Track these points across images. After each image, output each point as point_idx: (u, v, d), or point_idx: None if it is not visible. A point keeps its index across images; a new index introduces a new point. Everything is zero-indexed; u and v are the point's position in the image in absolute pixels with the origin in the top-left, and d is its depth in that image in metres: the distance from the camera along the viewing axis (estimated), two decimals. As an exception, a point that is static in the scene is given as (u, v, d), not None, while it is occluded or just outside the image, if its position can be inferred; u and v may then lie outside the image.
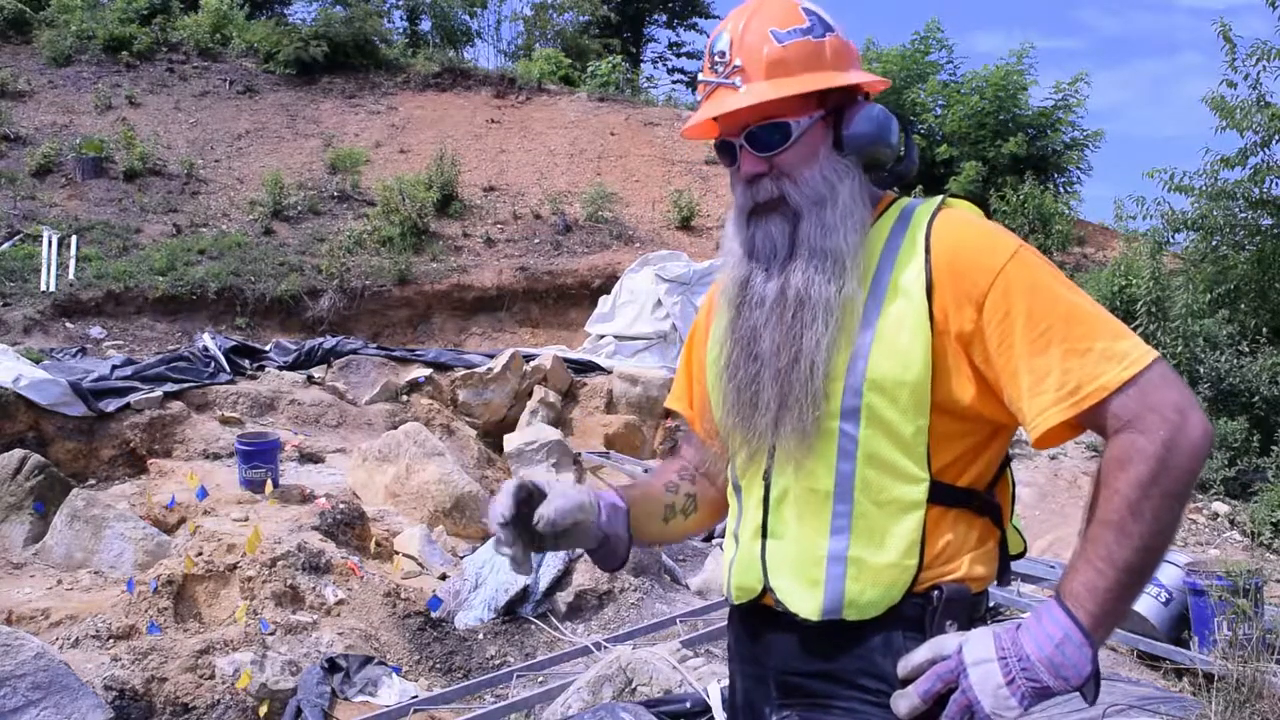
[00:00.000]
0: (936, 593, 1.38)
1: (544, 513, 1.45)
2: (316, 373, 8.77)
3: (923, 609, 1.38)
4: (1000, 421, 1.41)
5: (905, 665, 1.34)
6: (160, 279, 11.01)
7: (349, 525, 6.10)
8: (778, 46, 1.43)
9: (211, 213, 12.98)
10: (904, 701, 1.32)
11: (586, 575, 5.53)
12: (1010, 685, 1.24)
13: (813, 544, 1.41)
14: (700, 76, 1.50)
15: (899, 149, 1.49)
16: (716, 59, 1.46)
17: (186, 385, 7.97)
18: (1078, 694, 1.27)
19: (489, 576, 5.55)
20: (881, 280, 1.40)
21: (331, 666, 4.62)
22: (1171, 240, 11.14)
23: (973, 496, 1.42)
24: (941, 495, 1.39)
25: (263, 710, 4.49)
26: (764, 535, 1.47)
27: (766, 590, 1.46)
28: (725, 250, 1.54)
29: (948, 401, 1.37)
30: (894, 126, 1.47)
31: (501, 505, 1.47)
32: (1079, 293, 1.35)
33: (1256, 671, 3.75)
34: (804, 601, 1.41)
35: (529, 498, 1.48)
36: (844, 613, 1.39)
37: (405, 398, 8.65)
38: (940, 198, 1.48)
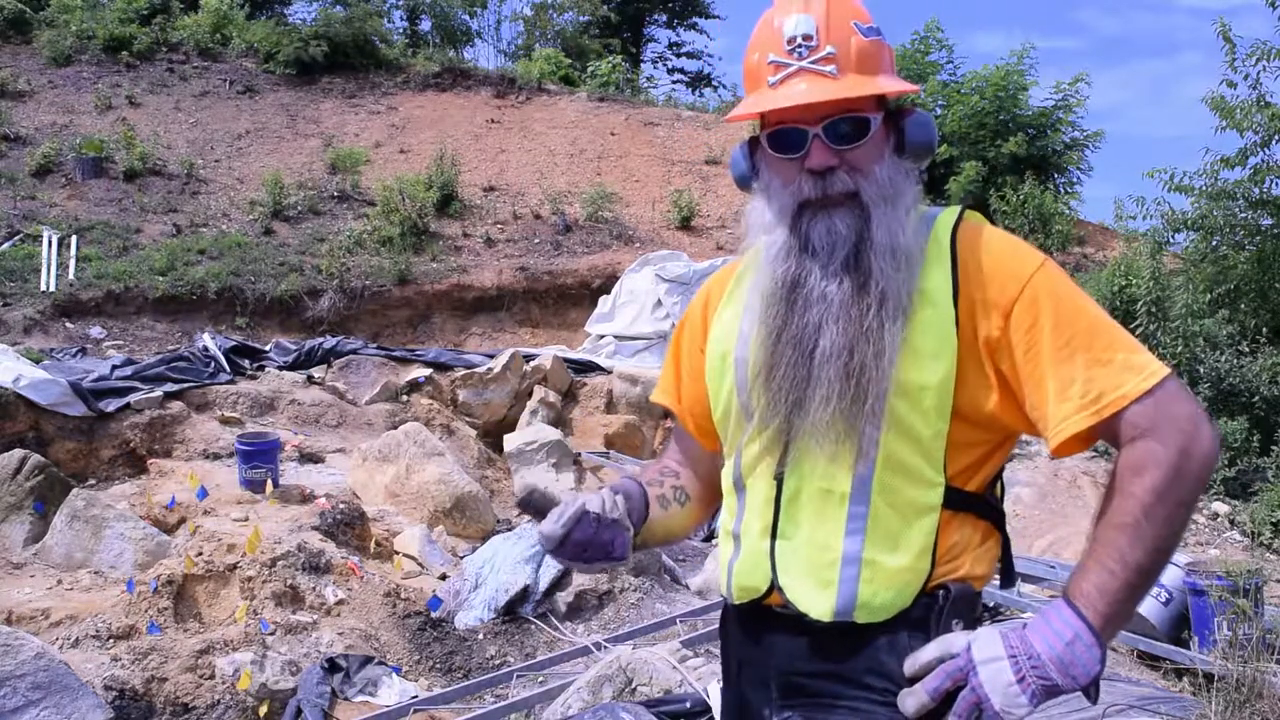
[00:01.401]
0: (943, 592, 1.39)
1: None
2: (316, 373, 8.77)
3: (929, 608, 1.39)
4: (1014, 429, 1.43)
5: (913, 663, 1.34)
6: (160, 279, 11.01)
7: (349, 525, 6.10)
8: (865, 40, 1.43)
9: (211, 213, 12.99)
10: (912, 699, 1.32)
11: (586, 575, 5.53)
12: (1020, 683, 1.26)
13: (826, 545, 1.41)
14: (773, 56, 1.44)
15: (934, 158, 1.53)
16: (800, 42, 1.42)
17: (186, 385, 7.97)
18: (1080, 693, 1.28)
19: (489, 576, 5.55)
20: (910, 293, 1.42)
21: (331, 666, 4.62)
22: (1171, 240, 11.13)
23: (980, 500, 1.44)
24: (954, 499, 1.40)
25: (263, 710, 4.49)
26: (774, 535, 1.46)
27: (773, 590, 1.45)
28: (763, 244, 1.49)
29: (968, 407, 1.39)
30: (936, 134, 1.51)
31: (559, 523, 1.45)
32: (1096, 305, 1.39)
33: (1256, 671, 3.75)
34: (815, 602, 1.41)
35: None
36: (855, 615, 1.39)
37: (405, 398, 8.65)
38: (960, 208, 1.50)
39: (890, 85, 1.44)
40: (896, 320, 1.38)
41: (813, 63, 1.41)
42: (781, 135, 1.45)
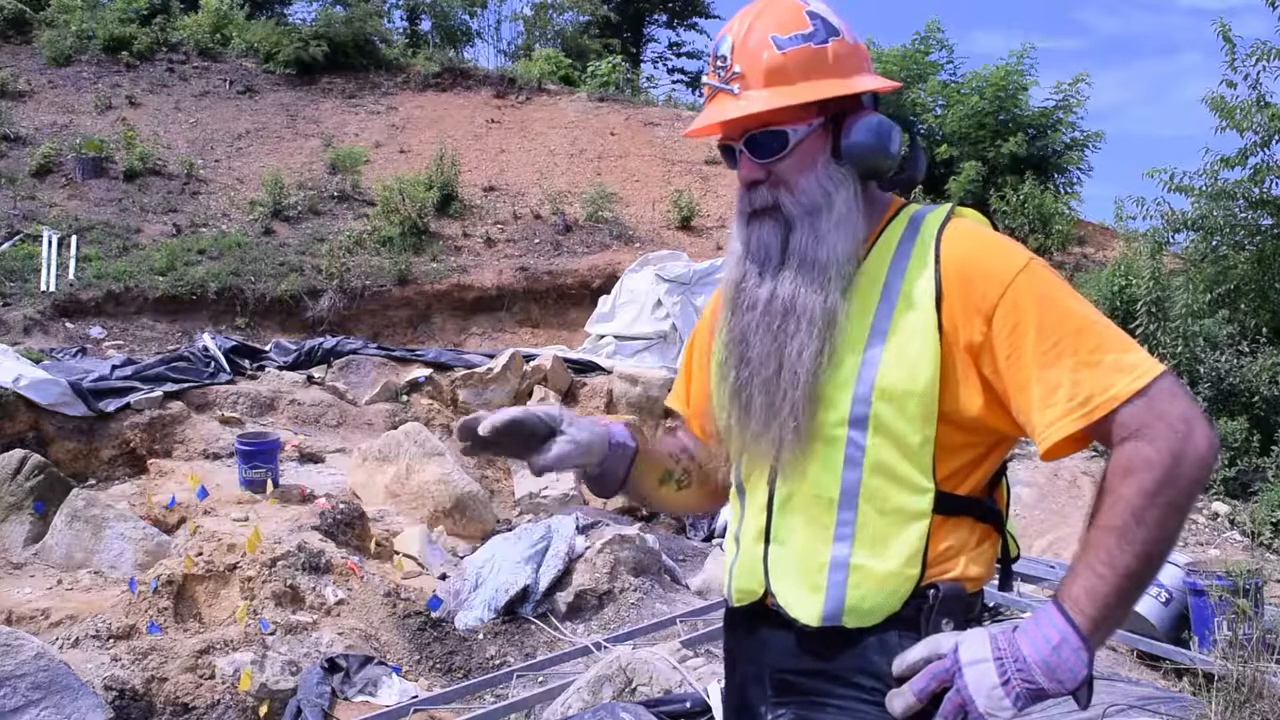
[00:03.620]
0: (933, 591, 1.38)
1: (542, 462, 1.51)
2: (316, 373, 8.77)
3: (919, 608, 1.38)
4: (1005, 432, 1.41)
5: (901, 663, 1.35)
6: (160, 279, 11.00)
7: (349, 525, 6.09)
8: (778, 54, 1.42)
9: (211, 213, 12.98)
10: (899, 700, 1.33)
11: (586, 575, 5.53)
12: (1005, 686, 1.25)
13: (815, 550, 1.41)
14: (704, 79, 1.51)
15: (899, 157, 1.48)
16: (719, 63, 1.47)
17: (186, 385, 7.97)
18: (1070, 697, 1.27)
19: (489, 576, 5.55)
20: (892, 289, 1.40)
21: (331, 666, 4.62)
22: (1171, 240, 11.13)
23: (975, 504, 1.43)
24: (945, 504, 1.39)
25: (263, 710, 4.49)
26: (767, 540, 1.47)
27: (767, 594, 1.47)
28: (728, 249, 1.55)
29: (954, 412, 1.38)
30: (895, 135, 1.46)
31: (492, 423, 1.49)
32: (1086, 305, 1.35)
33: (1256, 671, 3.75)
34: (805, 607, 1.42)
35: (521, 430, 1.51)
36: (844, 619, 1.39)
37: (405, 398, 8.65)
38: (949, 206, 1.48)
39: (797, 96, 1.41)
40: (800, 334, 1.39)
41: (725, 83, 1.45)
42: (723, 150, 1.51)
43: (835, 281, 1.40)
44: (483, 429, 1.48)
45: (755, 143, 1.44)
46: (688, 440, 1.73)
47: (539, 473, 1.52)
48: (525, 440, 1.52)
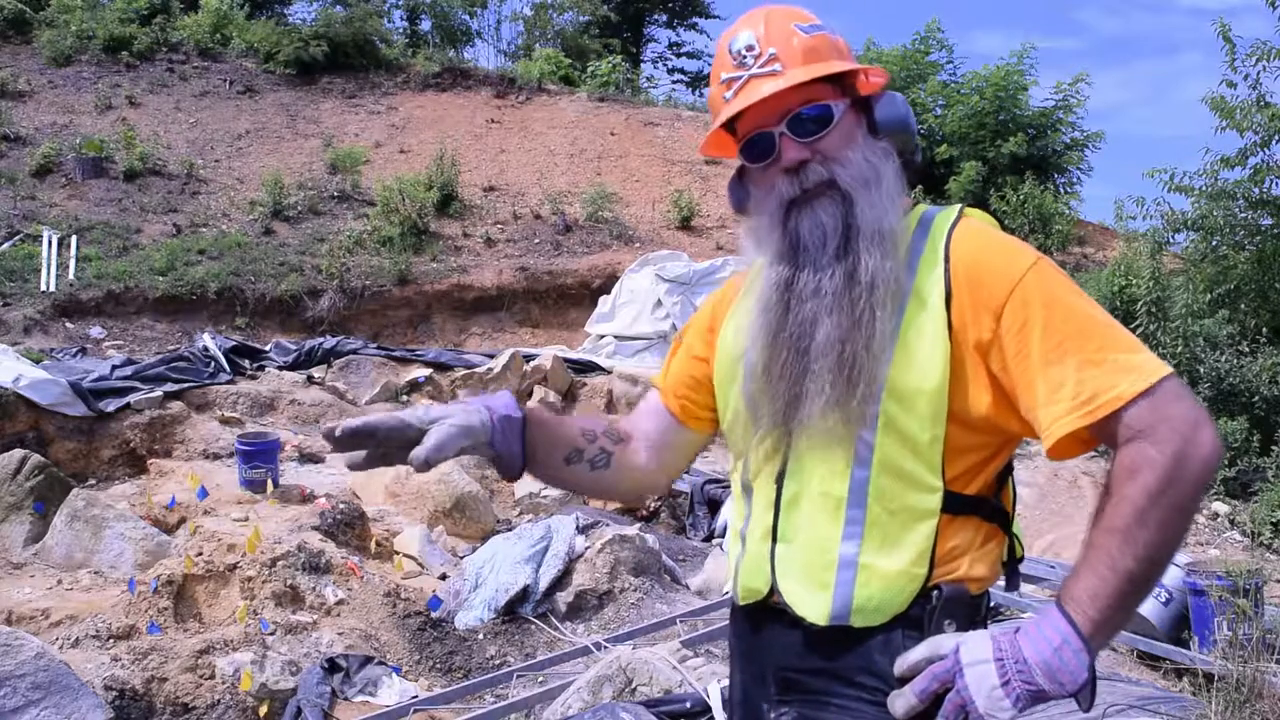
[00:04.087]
0: (936, 592, 1.38)
1: (418, 455, 1.40)
2: (316, 373, 8.78)
3: (923, 609, 1.38)
4: (1013, 432, 1.41)
5: (902, 663, 1.34)
6: (160, 279, 11.01)
7: (349, 525, 6.09)
8: (807, 37, 1.46)
9: (211, 213, 12.99)
10: (900, 701, 1.33)
11: (586, 575, 5.53)
12: (1005, 687, 1.25)
13: (823, 548, 1.41)
14: (724, 75, 1.49)
15: (916, 139, 1.52)
16: (744, 54, 1.47)
17: (186, 385, 7.97)
18: (1073, 699, 1.27)
19: (489, 576, 5.55)
20: (903, 289, 1.41)
21: (331, 666, 4.62)
22: (1171, 240, 11.15)
23: (982, 504, 1.43)
24: (953, 503, 1.39)
25: (263, 710, 4.49)
26: (774, 538, 1.47)
27: (773, 592, 1.47)
28: (753, 254, 1.52)
29: (963, 411, 1.37)
30: (912, 113, 1.51)
31: (345, 426, 1.40)
32: (1094, 305, 1.35)
33: (1256, 671, 3.74)
34: (812, 605, 1.42)
35: (376, 434, 1.41)
36: (851, 618, 1.39)
37: (405, 398, 8.66)
38: (959, 207, 1.48)
39: (838, 66, 1.45)
40: (887, 307, 1.37)
41: (760, 68, 1.45)
42: (752, 145, 1.49)
43: (900, 251, 1.41)
44: (338, 431, 1.40)
45: (800, 122, 1.45)
46: (634, 424, 1.70)
47: (422, 468, 1.41)
48: (396, 446, 1.43)
